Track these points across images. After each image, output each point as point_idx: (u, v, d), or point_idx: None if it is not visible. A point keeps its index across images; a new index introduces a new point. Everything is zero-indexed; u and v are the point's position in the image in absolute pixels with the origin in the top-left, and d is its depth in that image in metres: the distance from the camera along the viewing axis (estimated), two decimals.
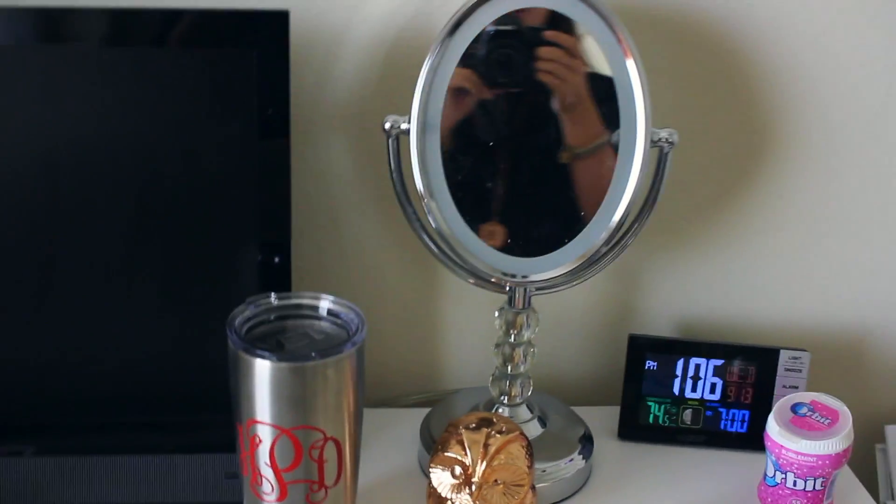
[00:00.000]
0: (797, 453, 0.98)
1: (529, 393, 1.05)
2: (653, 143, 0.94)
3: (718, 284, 1.19)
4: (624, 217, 0.94)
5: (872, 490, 1.22)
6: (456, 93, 0.92)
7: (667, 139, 0.95)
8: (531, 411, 1.05)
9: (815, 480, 0.98)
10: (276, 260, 0.96)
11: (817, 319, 1.22)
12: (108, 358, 0.97)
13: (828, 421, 0.99)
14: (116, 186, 0.93)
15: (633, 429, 1.11)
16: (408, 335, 1.17)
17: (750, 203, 1.15)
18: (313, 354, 0.81)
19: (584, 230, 0.95)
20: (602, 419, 1.12)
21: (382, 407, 1.16)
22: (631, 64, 0.91)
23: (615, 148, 0.93)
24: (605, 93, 0.92)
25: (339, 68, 1.04)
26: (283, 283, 0.96)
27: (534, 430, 1.04)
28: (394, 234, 1.10)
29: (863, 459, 1.25)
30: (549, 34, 0.91)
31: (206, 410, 0.93)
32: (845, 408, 1.01)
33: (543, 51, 0.91)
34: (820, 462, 0.97)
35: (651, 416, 1.11)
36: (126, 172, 0.93)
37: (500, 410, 1.04)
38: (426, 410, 1.10)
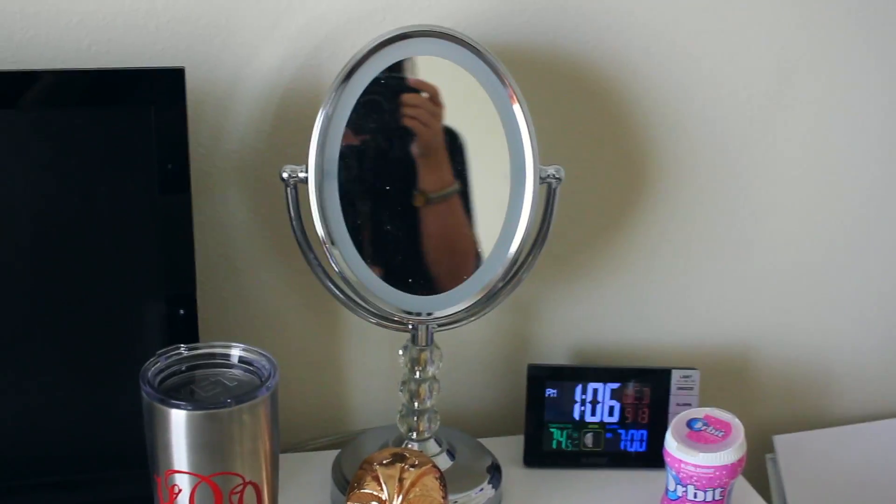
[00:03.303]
0: (696, 466, 1.02)
1: (437, 427, 1.07)
2: (541, 179, 0.98)
3: (610, 311, 1.24)
4: (519, 251, 0.98)
5: (766, 498, 1.28)
6: (349, 141, 0.95)
7: (554, 175, 0.99)
8: (440, 445, 1.08)
9: (714, 491, 1.03)
10: (182, 312, 0.97)
11: (704, 338, 1.27)
12: (17, 418, 0.97)
13: (721, 433, 1.04)
14: (17, 244, 0.93)
15: (538, 455, 1.15)
16: (313, 379, 1.18)
17: (634, 232, 1.21)
18: (228, 401, 0.83)
19: (482, 266, 0.98)
20: (508, 448, 1.15)
21: (292, 451, 1.17)
22: (517, 109, 0.95)
23: (507, 185, 0.97)
24: (494, 136, 0.96)
25: (232, 121, 1.06)
26: (190, 334, 0.97)
27: (443, 463, 1.07)
28: (295, 280, 1.12)
29: (755, 469, 1.31)
30: (424, 83, 0.95)
31: (120, 466, 0.93)
32: (737, 420, 1.06)
33: (418, 99, 0.95)
34: (717, 473, 1.02)
35: (554, 441, 1.14)
36: (28, 230, 0.93)
37: (410, 446, 1.06)
38: (336, 452, 1.11)
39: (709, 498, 1.03)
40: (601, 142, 1.16)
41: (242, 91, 1.06)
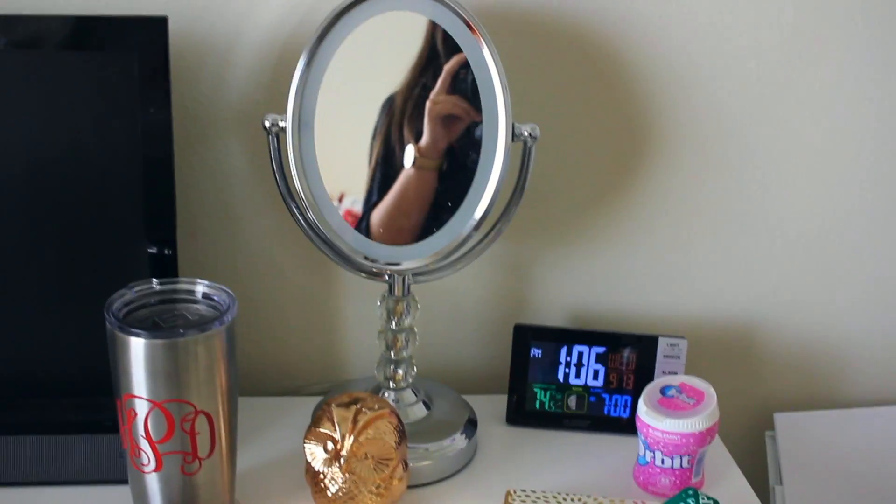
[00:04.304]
0: (663, 432, 1.03)
1: (413, 376, 1.10)
2: (517, 137, 1.00)
3: (608, 278, 1.24)
4: (489, 208, 1.00)
5: (762, 475, 1.27)
6: (327, 93, 0.98)
7: (529, 134, 1.00)
8: (416, 395, 1.11)
9: (681, 458, 1.03)
10: (164, 252, 1.02)
11: (707, 311, 1.27)
12: (5, 342, 1.03)
13: (693, 401, 1.05)
14: (3, 185, 0.99)
15: (521, 415, 1.16)
16: (306, 327, 1.22)
17: (634, 199, 1.21)
18: (181, 331, 0.87)
19: (451, 220, 1.00)
20: (493, 406, 1.18)
21: (286, 395, 1.21)
22: (487, 54, 0.97)
23: (479, 142, 0.99)
24: (468, 90, 0.98)
25: (233, 73, 1.10)
26: (170, 274, 1.01)
27: (418, 412, 1.10)
28: (288, 229, 1.15)
29: (754, 445, 1.30)
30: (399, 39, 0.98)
31: (100, 393, 0.98)
32: (711, 389, 1.06)
33: (394, 54, 0.98)
34: (684, 440, 1.02)
35: (538, 401, 1.16)
36: (13, 171, 0.99)
37: (386, 394, 1.09)
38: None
39: (676, 465, 1.04)
40: (601, 107, 1.16)
41: (244, 43, 1.10)
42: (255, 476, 1.05)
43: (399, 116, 0.99)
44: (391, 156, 1.00)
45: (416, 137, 0.99)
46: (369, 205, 1.01)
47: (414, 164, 1.00)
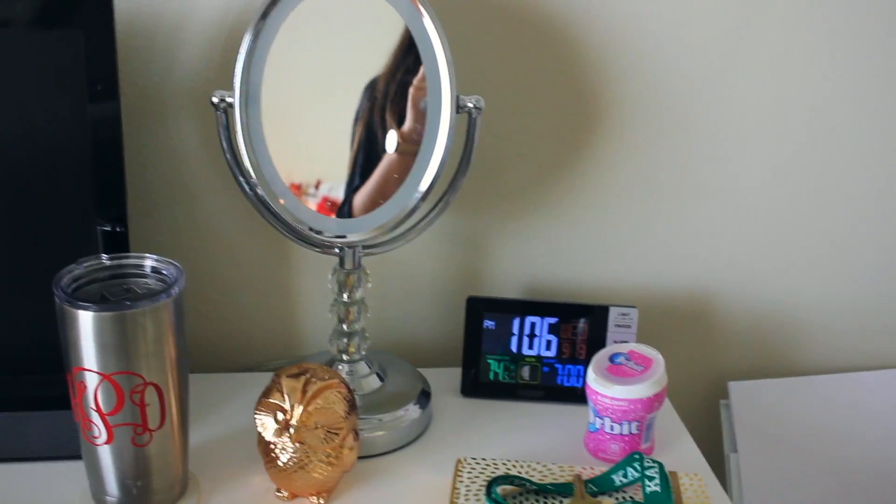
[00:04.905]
0: (611, 399, 1.04)
1: (366, 349, 1.12)
2: (461, 109, 1.01)
3: (562, 249, 1.26)
4: (434, 180, 1.01)
5: (717, 443, 1.29)
6: (272, 68, 0.99)
7: (474, 105, 1.02)
8: (370, 367, 1.12)
9: (630, 424, 1.05)
10: (116, 229, 1.02)
11: (662, 282, 1.29)
12: None
13: (641, 368, 1.06)
14: None
15: (475, 386, 1.18)
16: (263, 303, 1.23)
17: (586, 169, 1.22)
18: (128, 303, 0.88)
19: (398, 192, 1.02)
20: (448, 378, 1.19)
21: (248, 371, 1.23)
22: (429, 25, 0.98)
23: (424, 114, 1.00)
24: (412, 63, 0.99)
25: (184, 51, 1.11)
26: (123, 252, 1.02)
27: (372, 384, 1.11)
28: (242, 206, 1.15)
29: (709, 414, 1.32)
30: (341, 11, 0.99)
31: (54, 370, 0.98)
32: (659, 356, 1.07)
33: (337, 28, 0.99)
34: (632, 406, 1.04)
35: (491, 373, 1.17)
36: None
37: (340, 367, 1.11)
38: None
39: (625, 431, 1.05)
40: (550, 78, 1.17)
41: (194, 21, 1.10)
42: (209, 449, 1.06)
43: (340, 88, 1.00)
44: (338, 129, 1.01)
45: (357, 106, 1.00)
46: (320, 180, 1.02)
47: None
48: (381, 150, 1.01)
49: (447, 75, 0.99)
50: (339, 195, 1.02)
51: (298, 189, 1.02)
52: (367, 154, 1.01)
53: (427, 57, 0.98)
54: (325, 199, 1.02)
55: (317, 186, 1.02)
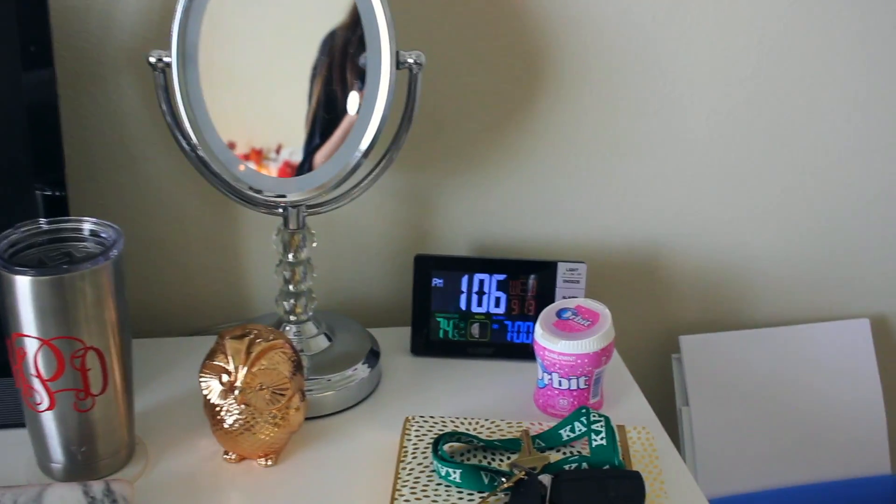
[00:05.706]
0: (559, 354, 1.04)
1: (313, 309, 1.11)
2: (402, 65, 1.00)
3: (510, 205, 1.25)
4: (375, 138, 1.00)
5: (670, 397, 1.30)
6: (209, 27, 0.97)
7: (415, 61, 1.01)
8: (318, 327, 1.11)
9: (577, 379, 1.05)
10: (55, 194, 1.01)
11: (612, 237, 1.29)
12: None
13: (588, 322, 1.06)
14: None
15: (425, 344, 1.18)
16: (210, 266, 1.22)
17: (532, 124, 1.21)
18: (65, 267, 0.87)
19: (339, 151, 1.01)
20: (398, 337, 1.19)
21: (200, 335, 1.22)
22: None
23: (364, 71, 0.99)
24: (351, 19, 0.98)
25: (120, 11, 1.09)
26: (63, 215, 1.01)
27: (321, 344, 1.11)
28: (185, 167, 1.13)
29: (661, 368, 1.33)
30: None
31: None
32: (606, 310, 1.07)
33: None
34: (579, 361, 1.04)
35: (441, 331, 1.17)
36: None
37: (287, 328, 1.10)
38: None
39: (573, 386, 1.05)
40: (496, 34, 1.16)
41: None
42: (156, 413, 1.05)
43: (279, 47, 0.99)
44: (278, 88, 1.00)
45: (296, 65, 0.99)
46: (259, 139, 1.01)
47: (289, 88, 1.00)
48: (326, 110, 1.00)
49: (386, 30, 0.97)
50: (286, 156, 1.01)
51: (236, 148, 1.00)
52: (320, 113, 1.00)
53: (365, 10, 0.97)
54: (262, 157, 1.01)
55: (257, 146, 1.01)
